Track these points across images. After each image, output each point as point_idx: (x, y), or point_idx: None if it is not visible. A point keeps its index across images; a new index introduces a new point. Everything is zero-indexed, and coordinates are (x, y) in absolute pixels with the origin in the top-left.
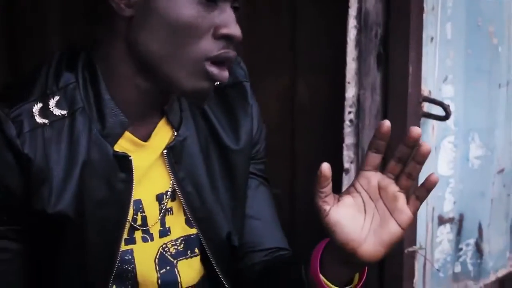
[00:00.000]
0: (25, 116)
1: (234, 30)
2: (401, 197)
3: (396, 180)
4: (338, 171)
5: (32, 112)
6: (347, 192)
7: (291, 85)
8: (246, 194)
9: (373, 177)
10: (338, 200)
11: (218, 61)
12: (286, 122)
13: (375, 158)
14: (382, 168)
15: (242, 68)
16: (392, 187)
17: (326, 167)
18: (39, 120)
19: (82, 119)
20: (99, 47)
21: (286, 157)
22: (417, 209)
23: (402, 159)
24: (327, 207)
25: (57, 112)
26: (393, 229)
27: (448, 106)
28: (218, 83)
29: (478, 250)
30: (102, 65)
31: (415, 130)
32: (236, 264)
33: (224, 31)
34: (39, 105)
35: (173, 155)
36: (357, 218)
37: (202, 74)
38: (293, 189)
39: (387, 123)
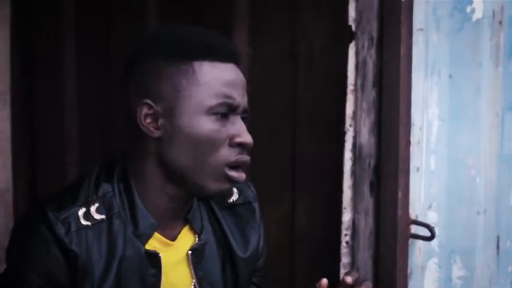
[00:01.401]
0: (72, 219)
1: (246, 138)
2: None
3: None
4: None
5: (78, 215)
6: None
7: (290, 212)
8: None
9: None
10: None
11: (235, 166)
12: (286, 245)
13: None
14: None
15: (252, 191)
16: None
17: (324, 282)
18: (83, 222)
19: (118, 222)
20: (132, 163)
21: (285, 278)
22: None
23: None
24: None
25: (97, 216)
26: None
27: (434, 227)
28: (233, 200)
29: None
30: (135, 177)
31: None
32: None
33: (238, 140)
34: (83, 209)
35: (196, 256)
36: None
37: (224, 178)
38: None
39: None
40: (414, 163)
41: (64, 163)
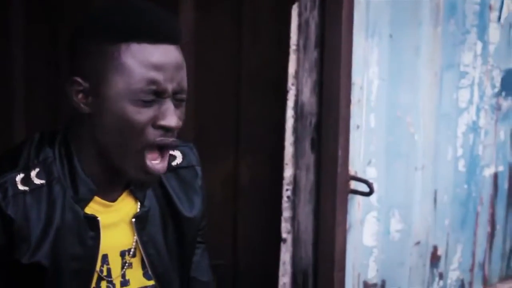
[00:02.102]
0: (9, 184)
1: (169, 121)
2: None
3: None
4: (277, 241)
5: (15, 181)
6: None
7: (234, 169)
8: (192, 257)
9: None
10: None
11: (158, 147)
12: (229, 203)
13: None
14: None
15: (194, 154)
16: None
17: None
18: (21, 187)
19: (58, 187)
20: (72, 130)
21: (228, 232)
22: None
23: None
24: None
25: (37, 181)
26: None
27: (372, 183)
28: (176, 163)
29: None
30: (74, 144)
31: None
32: None
33: (160, 122)
34: (21, 175)
35: (139, 223)
36: None
37: (141, 167)
38: (235, 260)
39: None
40: (354, 121)
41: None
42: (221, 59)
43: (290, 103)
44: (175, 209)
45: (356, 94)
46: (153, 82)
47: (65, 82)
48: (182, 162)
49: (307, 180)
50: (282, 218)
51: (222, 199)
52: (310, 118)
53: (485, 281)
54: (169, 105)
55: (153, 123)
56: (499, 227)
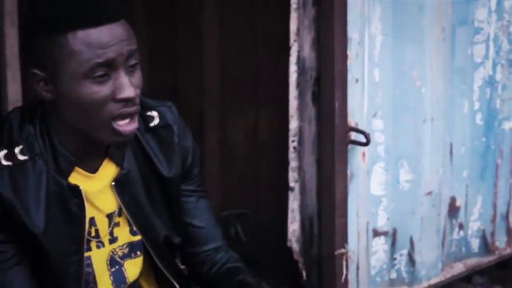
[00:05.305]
0: None
1: (126, 93)
2: None
3: None
4: (286, 189)
5: None
6: None
7: (255, 123)
8: (180, 206)
9: None
10: None
11: (123, 116)
12: (252, 154)
13: None
14: None
15: (172, 113)
16: None
17: None
18: (4, 162)
19: (41, 162)
20: (45, 111)
21: (252, 182)
22: None
23: None
24: None
25: (21, 157)
26: None
27: (369, 134)
28: (154, 124)
29: (411, 260)
30: (52, 120)
31: None
32: (188, 263)
33: (118, 96)
34: (5, 151)
35: (120, 185)
36: None
37: (112, 132)
38: (257, 208)
39: None
40: (352, 74)
41: None
42: (240, 23)
43: (293, 58)
44: (155, 169)
45: (353, 49)
46: (99, 56)
47: (26, 73)
48: (159, 122)
49: (310, 131)
50: (290, 168)
51: (246, 151)
52: (311, 72)
53: (509, 231)
54: (123, 77)
55: (113, 97)
56: None
